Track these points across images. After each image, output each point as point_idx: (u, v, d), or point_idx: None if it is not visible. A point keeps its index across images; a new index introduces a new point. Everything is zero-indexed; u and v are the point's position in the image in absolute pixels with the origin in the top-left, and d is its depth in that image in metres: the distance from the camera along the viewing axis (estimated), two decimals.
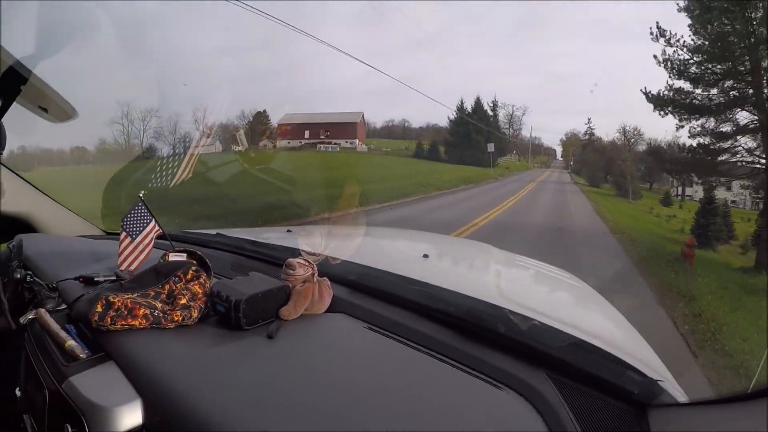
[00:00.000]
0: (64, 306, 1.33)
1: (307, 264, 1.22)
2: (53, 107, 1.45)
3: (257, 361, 0.98)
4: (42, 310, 1.25)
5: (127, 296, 1.12)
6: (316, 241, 1.53)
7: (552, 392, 0.89)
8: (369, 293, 1.29)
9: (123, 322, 1.07)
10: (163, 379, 0.91)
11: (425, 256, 1.69)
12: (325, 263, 1.36)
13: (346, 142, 38.99)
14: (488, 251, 2.11)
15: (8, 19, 0.93)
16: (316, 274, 1.22)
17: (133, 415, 0.88)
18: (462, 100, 40.73)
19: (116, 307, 1.08)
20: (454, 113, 40.87)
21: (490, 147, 34.85)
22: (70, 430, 0.94)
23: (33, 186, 2.22)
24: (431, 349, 1.03)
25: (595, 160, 33.17)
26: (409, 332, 1.09)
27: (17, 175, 2.17)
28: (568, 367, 0.94)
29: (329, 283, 1.25)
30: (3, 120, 1.30)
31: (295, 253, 1.40)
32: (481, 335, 1.05)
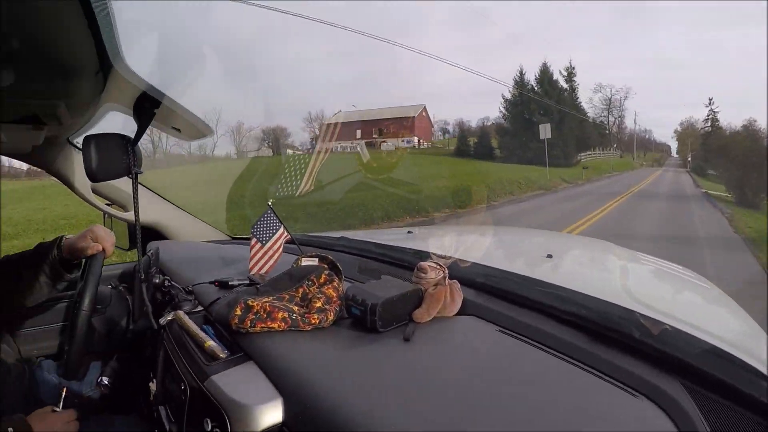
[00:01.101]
0: (200, 308, 1.41)
1: (438, 267, 1.21)
2: (187, 127, 1.51)
3: (395, 363, 0.99)
4: (180, 312, 1.33)
5: (264, 299, 1.16)
6: (446, 244, 1.52)
7: (688, 402, 0.84)
8: (497, 295, 1.27)
9: (262, 325, 1.11)
10: (303, 379, 0.93)
11: (549, 256, 1.65)
12: (452, 265, 1.35)
13: (402, 140, 34.90)
14: (610, 249, 2.04)
15: (139, 45, 0.98)
16: (447, 277, 1.21)
17: (274, 413, 0.90)
18: (522, 70, 33.08)
19: (255, 310, 1.12)
20: (510, 90, 33.14)
21: (544, 131, 25.74)
22: (209, 424, 0.98)
23: (160, 196, 2.36)
24: (564, 353, 1.00)
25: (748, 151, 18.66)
26: (541, 336, 1.07)
27: (145, 186, 2.31)
28: (702, 375, 0.88)
29: (459, 285, 1.24)
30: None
31: (423, 255, 1.40)
32: (611, 339, 1.01)
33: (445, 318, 1.18)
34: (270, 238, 1.57)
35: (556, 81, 33.72)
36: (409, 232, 2.38)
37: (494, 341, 1.08)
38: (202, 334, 1.19)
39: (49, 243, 1.71)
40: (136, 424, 1.64)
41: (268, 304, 1.14)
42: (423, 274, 1.20)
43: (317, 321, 1.13)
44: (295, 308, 1.17)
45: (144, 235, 2.30)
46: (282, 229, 1.60)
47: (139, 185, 2.23)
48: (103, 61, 0.96)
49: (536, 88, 32.92)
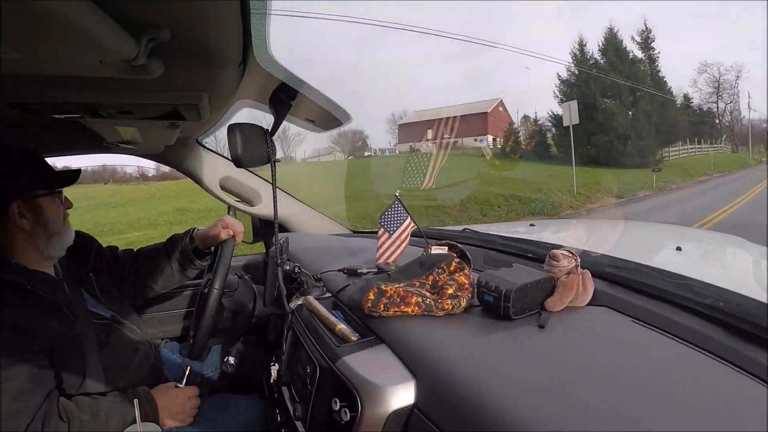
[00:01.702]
0: (328, 294, 1.47)
1: (570, 255, 1.20)
2: (320, 117, 1.56)
3: (529, 350, 0.98)
4: (310, 297, 1.40)
5: (396, 285, 1.20)
6: (571, 235, 1.50)
7: None
8: (627, 286, 1.24)
9: (396, 309, 1.14)
10: (438, 363, 0.94)
11: (678, 248, 1.60)
12: (581, 256, 1.33)
13: (475, 140, 31.41)
14: (741, 244, 1.95)
15: (269, 41, 1.00)
16: (579, 266, 1.20)
17: (406, 394, 0.92)
18: (582, 41, 25.85)
19: (389, 294, 1.16)
20: (568, 66, 26.00)
21: (568, 113, 18.61)
22: (338, 404, 1.01)
23: (282, 190, 2.47)
24: (702, 346, 0.95)
25: None
26: (677, 328, 1.03)
27: (267, 181, 2.43)
28: None
29: (590, 275, 1.22)
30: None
31: (549, 246, 1.39)
32: (750, 334, 0.96)
33: (577, 308, 1.16)
34: (397, 228, 1.62)
35: (626, 49, 25.85)
36: (531, 224, 2.36)
37: (630, 332, 1.05)
38: (332, 318, 1.25)
39: (181, 234, 1.86)
40: (255, 404, 1.73)
41: (401, 289, 1.17)
42: (555, 262, 1.19)
43: (450, 307, 1.15)
44: (428, 294, 1.19)
45: (267, 228, 2.43)
46: (408, 219, 1.64)
47: (261, 179, 2.35)
48: (245, 52, 0.99)
49: (600, 61, 25.57)
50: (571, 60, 25.70)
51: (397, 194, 1.66)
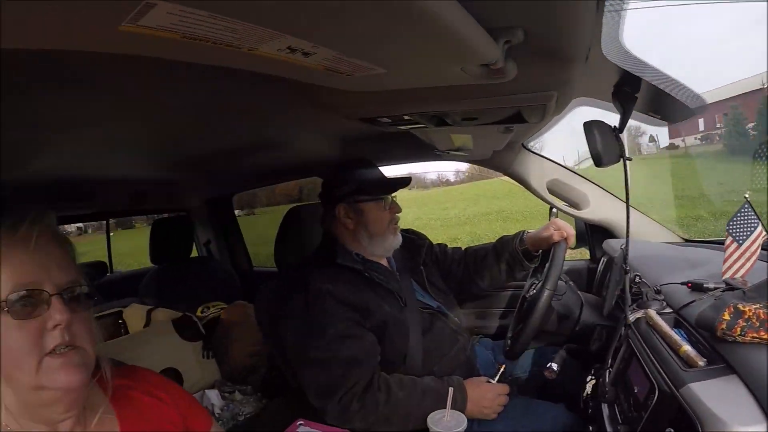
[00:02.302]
0: (668, 309, 1.40)
1: None
2: (668, 107, 1.49)
3: None
4: (651, 311, 1.35)
5: (755, 306, 1.06)
6: None
7: None
8: None
9: (754, 335, 1.02)
10: None
11: None
12: None
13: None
14: None
15: (622, 30, 0.94)
16: None
17: None
18: None
19: (746, 317, 1.04)
20: None
21: None
22: None
23: (610, 193, 2.46)
24: None
25: None
26: None
27: (592, 182, 2.42)
28: None
29: None
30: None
31: None
32: None
33: None
34: (747, 237, 1.43)
35: None
36: None
37: None
38: (677, 337, 1.16)
39: (511, 236, 2.00)
40: (561, 414, 1.72)
41: (762, 311, 1.04)
42: None
43: None
44: None
45: (593, 233, 2.41)
46: (760, 228, 1.43)
47: (589, 182, 2.34)
48: (591, 46, 0.95)
49: None
50: None
51: (748, 196, 1.45)
